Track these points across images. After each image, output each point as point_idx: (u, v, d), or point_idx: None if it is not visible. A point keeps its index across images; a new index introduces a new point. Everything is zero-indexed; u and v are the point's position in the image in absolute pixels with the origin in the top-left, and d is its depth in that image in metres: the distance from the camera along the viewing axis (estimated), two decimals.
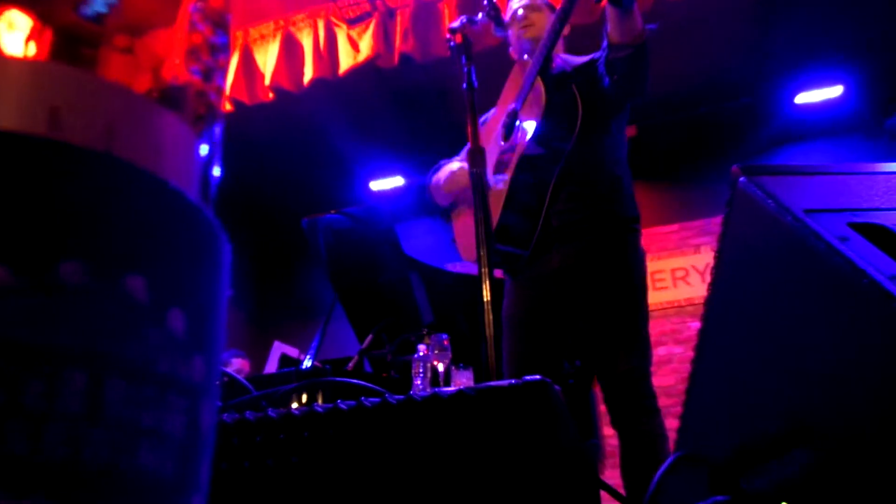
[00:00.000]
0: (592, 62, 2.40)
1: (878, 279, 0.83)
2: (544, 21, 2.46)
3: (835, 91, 6.00)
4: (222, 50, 0.27)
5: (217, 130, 0.28)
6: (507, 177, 2.32)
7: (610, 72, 2.22)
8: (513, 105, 2.37)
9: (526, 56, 2.43)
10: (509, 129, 2.37)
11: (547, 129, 2.25)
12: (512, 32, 2.52)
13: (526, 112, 2.30)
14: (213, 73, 0.27)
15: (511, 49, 2.59)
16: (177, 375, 0.21)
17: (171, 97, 0.25)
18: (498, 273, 2.44)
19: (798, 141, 6.58)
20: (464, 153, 2.44)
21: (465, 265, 2.63)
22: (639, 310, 2.23)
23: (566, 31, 2.52)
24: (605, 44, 2.18)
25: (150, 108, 0.23)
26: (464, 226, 2.55)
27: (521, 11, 2.45)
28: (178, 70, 0.26)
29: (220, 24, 0.27)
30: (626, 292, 2.22)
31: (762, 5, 5.10)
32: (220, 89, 0.27)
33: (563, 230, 2.28)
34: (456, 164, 2.50)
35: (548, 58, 2.27)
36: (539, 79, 2.27)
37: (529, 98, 2.30)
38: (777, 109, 6.24)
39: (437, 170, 2.64)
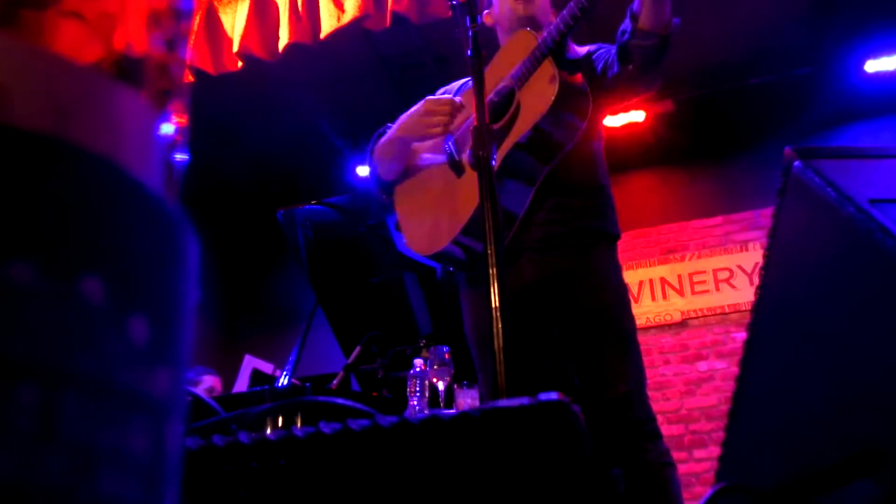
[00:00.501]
0: (590, 54, 2.46)
1: None
2: (545, 2, 2.52)
3: None
4: (186, 15, 0.28)
5: (181, 108, 0.29)
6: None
7: (624, 60, 2.26)
8: (507, 83, 2.37)
9: (528, 28, 2.43)
10: (500, 110, 2.38)
11: (550, 121, 2.27)
12: (501, 3, 2.54)
13: (528, 95, 2.31)
14: (177, 42, 0.27)
15: (488, 13, 2.61)
16: (139, 390, 0.22)
17: (128, 70, 0.26)
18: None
19: (866, 118, 6.56)
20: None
21: (413, 257, 2.63)
22: (627, 327, 2.34)
23: (554, 18, 2.59)
24: (627, 27, 2.22)
25: (105, 84, 0.24)
26: (415, 207, 2.55)
27: None
28: (136, 38, 0.27)
29: None
30: (611, 309, 2.31)
31: None
32: (183, 61, 0.28)
33: (541, 241, 2.33)
34: (418, 106, 2.48)
35: (565, 37, 2.29)
36: (551, 60, 2.28)
37: (535, 80, 2.30)
38: (842, 79, 6.22)
39: (381, 134, 2.63)
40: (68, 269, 0.21)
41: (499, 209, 2.31)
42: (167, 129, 0.28)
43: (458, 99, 2.44)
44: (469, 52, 2.07)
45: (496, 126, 2.36)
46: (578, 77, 2.37)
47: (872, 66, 6.03)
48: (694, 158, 6.78)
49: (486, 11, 2.64)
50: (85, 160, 0.22)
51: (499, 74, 2.44)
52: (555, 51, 2.29)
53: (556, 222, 2.36)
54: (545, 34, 2.30)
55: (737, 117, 6.54)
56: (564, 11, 2.25)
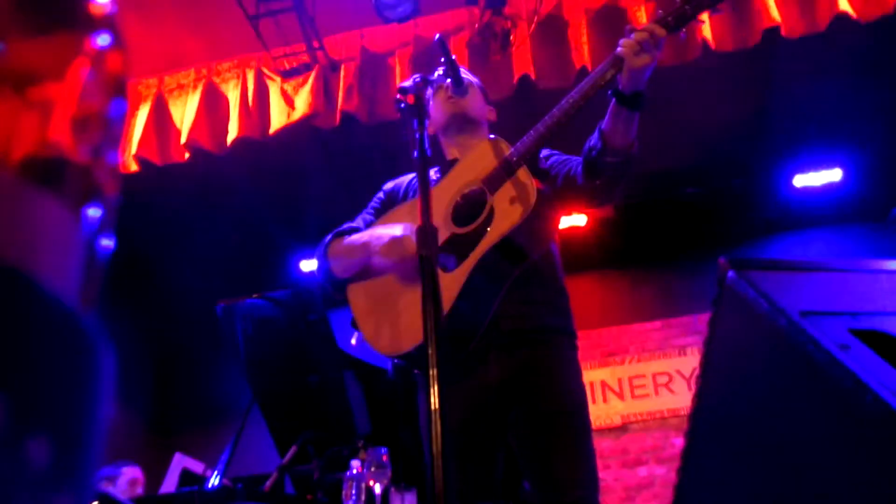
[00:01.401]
0: (545, 159, 2.55)
1: (883, 395, 0.85)
2: (476, 100, 2.62)
3: (834, 174, 6.27)
4: (117, 122, 0.28)
5: (105, 211, 0.28)
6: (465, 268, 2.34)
7: (591, 174, 2.32)
8: (478, 188, 2.40)
9: (494, 137, 2.48)
10: (468, 213, 2.40)
11: (524, 227, 2.30)
12: (438, 102, 2.61)
13: (502, 201, 2.34)
14: (104, 148, 0.27)
15: (429, 122, 2.67)
16: None
17: (50, 172, 0.25)
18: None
19: (796, 228, 6.81)
20: (377, 224, 2.49)
21: (366, 351, 2.59)
22: (585, 431, 2.34)
23: (493, 115, 2.67)
24: (596, 144, 2.28)
25: (23, 190, 0.23)
26: (375, 305, 2.52)
27: (464, 79, 2.52)
28: (63, 142, 0.26)
29: (116, 91, 0.27)
30: (572, 413, 2.33)
31: (757, 78, 5.37)
32: (112, 168, 0.28)
33: (509, 337, 2.34)
34: (397, 230, 2.48)
35: (541, 148, 2.36)
36: (526, 170, 2.33)
37: (510, 188, 2.34)
38: (773, 191, 6.47)
39: (340, 233, 2.62)
40: None
41: (459, 312, 2.32)
42: (89, 232, 0.27)
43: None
44: (415, 154, 2.09)
45: (466, 229, 2.38)
46: (544, 185, 2.43)
47: (801, 180, 6.30)
48: (633, 263, 6.93)
49: (427, 122, 2.69)
50: None
51: (465, 177, 2.47)
52: (529, 161, 2.35)
53: (523, 318, 2.37)
54: (520, 144, 2.34)
55: (674, 224, 6.72)
56: (541, 126, 2.31)
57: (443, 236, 2.43)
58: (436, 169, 2.62)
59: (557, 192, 2.46)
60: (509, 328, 2.36)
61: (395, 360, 2.51)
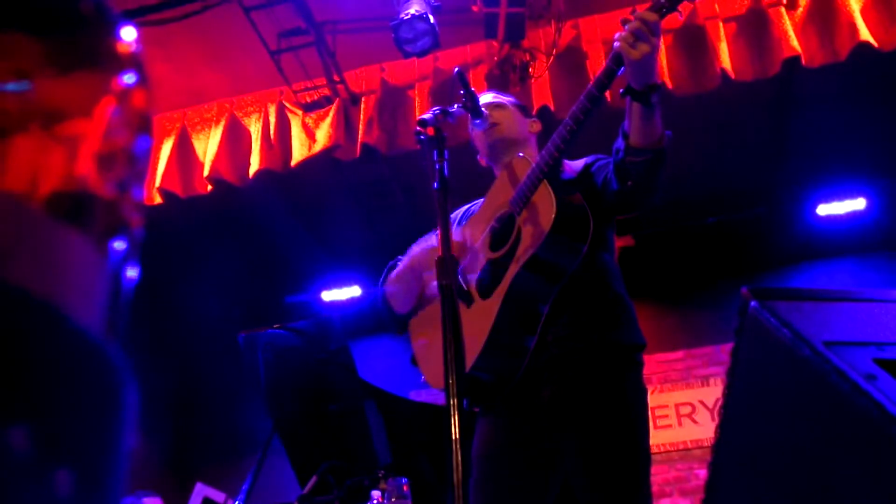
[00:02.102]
0: (588, 167, 2.48)
1: None
2: (511, 120, 2.58)
3: (858, 204, 6.22)
4: (143, 157, 0.28)
5: (130, 246, 0.28)
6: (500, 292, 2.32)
7: (622, 177, 2.27)
8: (507, 210, 2.40)
9: (521, 155, 2.48)
10: (502, 236, 2.40)
11: (553, 243, 2.27)
12: (477, 134, 2.61)
13: (527, 221, 2.32)
14: (129, 183, 0.27)
15: (479, 156, 2.68)
16: None
17: (76, 209, 0.26)
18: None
19: (819, 258, 6.75)
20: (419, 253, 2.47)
21: (431, 393, 2.58)
22: (641, 458, 2.24)
23: (537, 127, 2.64)
24: (620, 145, 2.24)
25: (48, 225, 0.23)
26: (429, 341, 2.52)
27: (484, 111, 2.51)
28: (89, 178, 0.27)
29: (142, 128, 0.28)
30: (627, 437, 2.22)
31: (780, 103, 5.36)
32: (137, 202, 0.28)
33: (560, 360, 2.29)
34: (432, 240, 2.47)
35: (558, 161, 2.32)
36: (546, 184, 2.30)
37: (533, 205, 2.32)
38: (796, 220, 6.42)
39: (390, 268, 2.63)
40: None
41: (500, 341, 2.28)
42: (114, 267, 0.28)
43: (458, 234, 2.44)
44: (435, 185, 2.10)
45: (499, 254, 2.36)
46: (577, 197, 2.35)
47: (824, 209, 6.24)
48: (655, 293, 6.88)
49: (478, 156, 2.70)
50: (22, 304, 0.22)
51: (497, 201, 2.47)
52: (549, 174, 2.30)
53: (570, 338, 2.30)
54: (538, 159, 2.31)
55: (696, 254, 6.68)
56: (555, 135, 2.29)
57: (481, 263, 2.43)
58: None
59: (600, 197, 2.38)
60: (557, 352, 2.31)
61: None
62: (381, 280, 2.64)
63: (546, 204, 2.26)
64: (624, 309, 2.39)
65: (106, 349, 0.24)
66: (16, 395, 0.21)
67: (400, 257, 2.62)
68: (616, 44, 2.11)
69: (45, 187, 0.26)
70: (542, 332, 2.28)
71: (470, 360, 2.28)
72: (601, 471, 2.19)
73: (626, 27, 2.09)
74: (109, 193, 0.27)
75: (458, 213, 2.76)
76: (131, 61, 0.30)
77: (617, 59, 2.13)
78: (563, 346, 2.29)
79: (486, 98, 2.59)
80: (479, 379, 2.35)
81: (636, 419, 2.27)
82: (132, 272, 0.30)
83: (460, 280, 2.45)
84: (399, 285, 2.53)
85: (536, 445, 2.29)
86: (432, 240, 2.49)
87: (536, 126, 2.66)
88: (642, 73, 2.09)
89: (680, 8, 2.13)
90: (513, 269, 2.28)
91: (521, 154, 2.47)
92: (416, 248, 2.51)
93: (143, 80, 0.30)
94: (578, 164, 2.55)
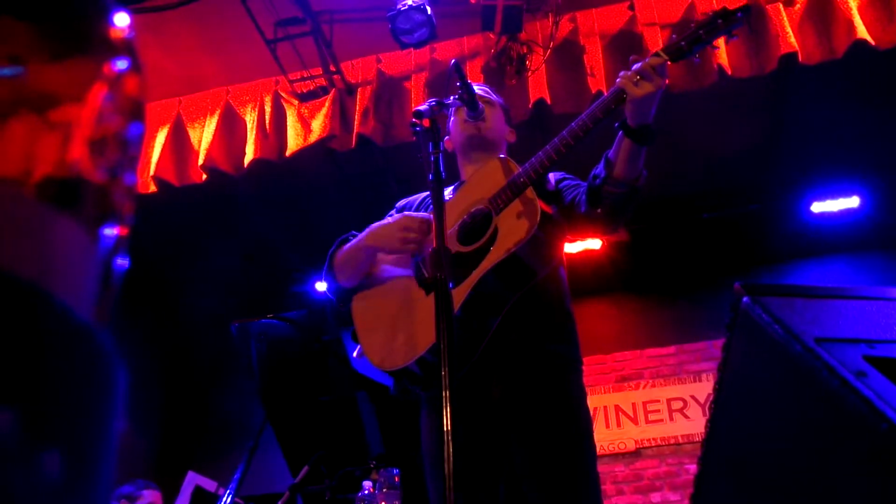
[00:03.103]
0: (557, 182, 2.55)
1: None
2: (499, 122, 2.61)
3: (852, 201, 6.23)
4: (134, 143, 0.28)
5: (122, 232, 0.28)
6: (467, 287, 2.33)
7: (593, 202, 2.32)
8: (483, 207, 2.41)
9: (504, 156, 2.48)
10: (473, 232, 2.41)
11: (527, 249, 2.29)
12: (460, 122, 2.61)
13: (506, 221, 2.33)
14: (121, 169, 0.27)
15: (449, 139, 2.69)
16: None
17: (67, 194, 0.26)
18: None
19: (812, 255, 6.77)
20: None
21: (366, 366, 2.58)
22: (589, 460, 2.31)
23: (512, 138, 2.68)
24: (601, 172, 2.28)
25: (38, 210, 0.23)
26: (374, 318, 2.52)
27: (479, 104, 2.52)
28: (80, 163, 0.27)
29: (134, 114, 0.28)
30: (575, 442, 2.30)
31: (775, 103, 5.36)
32: (129, 188, 0.28)
33: (510, 363, 2.33)
34: (388, 220, 2.49)
35: (548, 170, 2.35)
36: (532, 191, 2.32)
37: (515, 207, 2.33)
38: (790, 218, 6.43)
39: (342, 241, 2.63)
40: None
41: (456, 331, 2.30)
42: (105, 252, 0.28)
43: (428, 216, 2.45)
44: (430, 176, 2.10)
45: (470, 248, 2.37)
46: (554, 209, 2.42)
47: (818, 206, 6.25)
48: (648, 287, 6.89)
49: (446, 138, 2.71)
50: (10, 286, 0.21)
51: (472, 196, 2.47)
52: (535, 182, 2.33)
53: (524, 344, 2.35)
54: (527, 165, 2.33)
55: (689, 249, 6.69)
56: (549, 146, 2.30)
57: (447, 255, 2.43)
58: (451, 188, 2.63)
59: (564, 214, 2.45)
60: (510, 351, 2.35)
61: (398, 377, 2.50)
62: (330, 251, 2.64)
63: (531, 209, 2.29)
64: (572, 324, 2.49)
65: (95, 333, 0.24)
66: (2, 377, 0.21)
67: (354, 231, 2.63)
68: (618, 80, 2.16)
69: (37, 172, 0.26)
70: (496, 333, 2.32)
71: (425, 345, 2.30)
72: (548, 466, 2.25)
73: (633, 67, 2.15)
74: (101, 179, 0.27)
75: (413, 200, 2.77)
76: (124, 47, 0.30)
77: (619, 95, 2.17)
78: (515, 352, 2.35)
79: (477, 90, 2.60)
80: (428, 366, 2.37)
81: (580, 414, 2.35)
82: (123, 259, 0.30)
83: (422, 268, 2.47)
84: (351, 259, 2.55)
85: (484, 442, 2.33)
86: (388, 219, 2.51)
87: (512, 136, 2.71)
88: (640, 111, 2.15)
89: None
90: (483, 266, 2.30)
91: (502, 155, 2.49)
92: (374, 226, 2.52)
93: (135, 66, 0.30)
94: (551, 176, 2.59)
